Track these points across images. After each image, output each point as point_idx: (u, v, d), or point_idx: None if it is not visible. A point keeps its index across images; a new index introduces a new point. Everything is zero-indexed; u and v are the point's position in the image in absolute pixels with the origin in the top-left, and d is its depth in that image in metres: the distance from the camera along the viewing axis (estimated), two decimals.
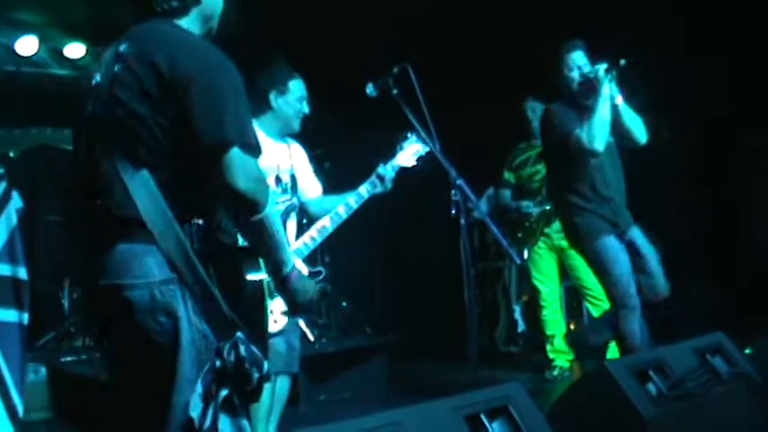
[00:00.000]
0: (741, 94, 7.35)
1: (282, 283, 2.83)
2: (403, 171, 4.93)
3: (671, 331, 4.76)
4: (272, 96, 4.64)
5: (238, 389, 2.53)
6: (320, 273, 4.58)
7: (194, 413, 2.47)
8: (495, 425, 3.14)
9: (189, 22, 2.87)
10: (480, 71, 8.23)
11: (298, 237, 4.60)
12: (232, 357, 2.50)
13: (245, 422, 2.54)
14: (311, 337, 7.06)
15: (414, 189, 6.11)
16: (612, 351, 6.77)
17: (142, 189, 2.58)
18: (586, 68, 5.46)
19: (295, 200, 4.61)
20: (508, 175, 7.36)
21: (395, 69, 4.76)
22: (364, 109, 5.65)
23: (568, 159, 5.38)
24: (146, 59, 2.63)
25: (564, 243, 6.83)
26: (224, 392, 2.49)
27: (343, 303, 7.82)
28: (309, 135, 7.93)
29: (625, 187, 5.56)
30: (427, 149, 4.72)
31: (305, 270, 4.35)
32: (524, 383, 6.24)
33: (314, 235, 4.62)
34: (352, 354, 7.30)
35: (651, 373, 3.72)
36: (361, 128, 7.69)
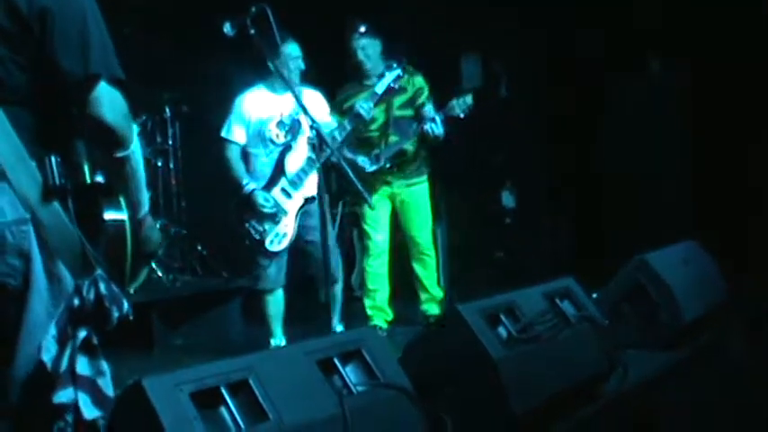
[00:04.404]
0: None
1: (138, 227, 2.76)
2: None
3: (527, 276, 4.87)
4: (269, 62, 5.08)
5: (97, 329, 2.46)
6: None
7: (46, 357, 2.38)
8: (348, 369, 3.15)
9: None
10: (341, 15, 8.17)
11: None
12: (92, 295, 2.42)
13: (104, 363, 2.47)
14: (166, 282, 6.98)
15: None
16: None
17: None
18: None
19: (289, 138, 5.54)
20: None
21: (252, 9, 4.72)
22: (223, 50, 5.58)
23: None
24: None
25: (406, 197, 6.66)
26: (82, 333, 2.41)
27: (199, 247, 7.72)
28: (168, 80, 7.80)
29: None
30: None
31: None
32: (380, 329, 6.37)
33: None
34: (208, 298, 7.23)
35: (502, 316, 3.80)
36: (219, 69, 7.54)
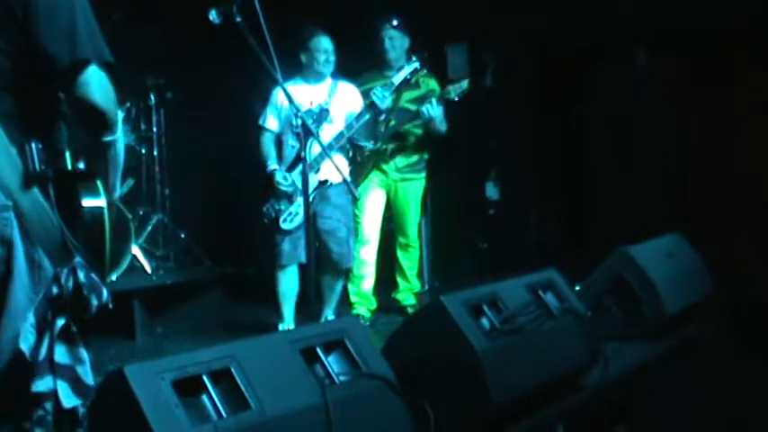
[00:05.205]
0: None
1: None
2: None
3: (510, 267, 4.87)
4: (301, 55, 6.02)
5: (76, 317, 2.44)
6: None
7: (25, 345, 2.36)
8: (330, 358, 3.15)
9: None
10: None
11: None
12: (70, 284, 2.40)
13: (83, 351, 2.46)
14: (149, 269, 6.95)
15: (256, 121, 6.09)
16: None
17: None
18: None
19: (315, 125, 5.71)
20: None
21: None
22: (209, 38, 5.55)
23: None
24: None
25: (401, 189, 6.71)
26: (61, 321, 2.39)
27: (182, 235, 7.69)
28: (153, 67, 7.73)
29: None
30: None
31: None
32: (362, 318, 6.36)
33: None
34: (191, 286, 7.21)
35: (485, 307, 3.80)
36: (205, 57, 7.50)
